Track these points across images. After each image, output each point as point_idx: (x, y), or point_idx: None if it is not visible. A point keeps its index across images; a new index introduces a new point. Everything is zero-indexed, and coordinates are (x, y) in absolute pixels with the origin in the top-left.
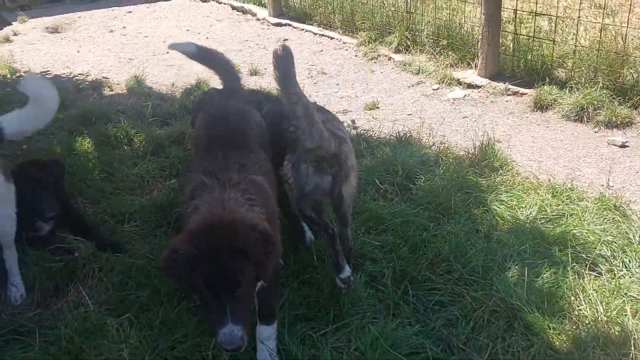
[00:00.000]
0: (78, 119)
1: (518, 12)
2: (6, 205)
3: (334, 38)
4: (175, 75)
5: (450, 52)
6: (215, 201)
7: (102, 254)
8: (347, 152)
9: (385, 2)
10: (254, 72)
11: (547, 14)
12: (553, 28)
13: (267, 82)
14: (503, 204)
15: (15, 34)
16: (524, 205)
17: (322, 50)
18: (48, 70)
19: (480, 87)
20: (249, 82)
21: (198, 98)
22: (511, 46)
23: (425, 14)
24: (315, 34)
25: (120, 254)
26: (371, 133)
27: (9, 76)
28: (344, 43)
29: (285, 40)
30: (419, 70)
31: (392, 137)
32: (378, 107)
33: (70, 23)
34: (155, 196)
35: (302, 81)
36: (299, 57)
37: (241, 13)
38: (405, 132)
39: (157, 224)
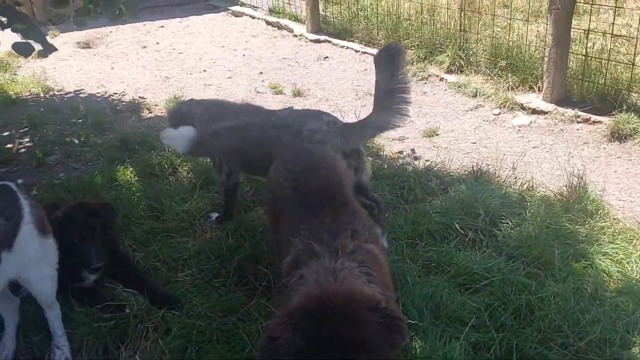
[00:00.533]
0: (118, 145)
1: (590, 32)
2: (44, 264)
3: None
4: (215, 95)
5: (509, 74)
6: (325, 271)
7: (156, 311)
8: (362, 147)
9: (434, 18)
10: (297, 93)
11: (625, 36)
12: (632, 50)
13: (312, 104)
14: (607, 257)
15: None
16: (632, 260)
17: (366, 69)
18: (82, 89)
19: (547, 113)
20: (294, 104)
21: (174, 108)
22: (578, 69)
23: (480, 32)
24: (357, 51)
25: (176, 310)
26: (440, 166)
27: (42, 95)
28: None
29: (325, 57)
30: (476, 92)
31: (464, 170)
32: (437, 134)
33: (102, 38)
34: (209, 238)
35: (349, 103)
36: (342, 76)
37: (276, 28)
38: (478, 165)
39: (215, 273)
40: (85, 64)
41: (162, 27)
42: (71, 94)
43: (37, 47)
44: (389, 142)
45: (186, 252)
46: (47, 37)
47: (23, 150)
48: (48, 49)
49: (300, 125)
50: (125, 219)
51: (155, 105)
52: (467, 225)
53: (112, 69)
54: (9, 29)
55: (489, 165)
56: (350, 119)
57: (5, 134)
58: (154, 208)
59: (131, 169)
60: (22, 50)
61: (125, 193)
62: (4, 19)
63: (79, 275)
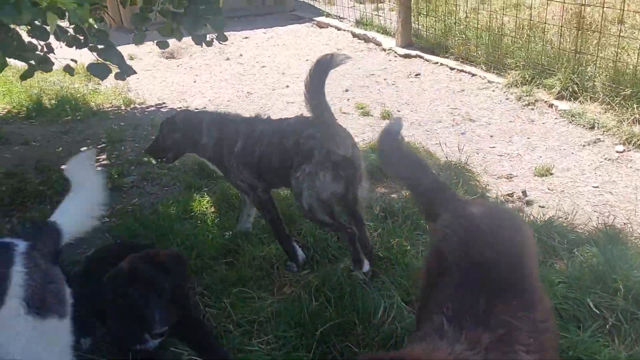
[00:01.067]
0: (196, 169)
1: None
2: (42, 354)
3: (475, 75)
4: (297, 114)
5: (635, 105)
6: None
7: None
8: (359, 156)
9: (543, 37)
10: (386, 115)
11: None
12: None
13: (404, 128)
14: None
15: (131, 58)
16: None
17: (463, 90)
18: (164, 103)
19: None
20: (382, 127)
21: (183, 117)
22: None
23: (598, 53)
24: (452, 68)
25: None
26: (562, 219)
27: (123, 107)
28: (489, 82)
29: (417, 75)
30: (594, 124)
31: (592, 226)
32: (551, 173)
33: (187, 48)
34: (288, 294)
35: (446, 129)
36: (436, 97)
37: (363, 41)
38: (609, 220)
39: (294, 345)
40: (168, 75)
41: (246, 38)
42: (152, 108)
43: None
44: (495, 181)
45: (262, 313)
46: (132, 44)
47: (99, 168)
48: (126, 72)
49: (299, 132)
50: (198, 259)
51: None
52: (604, 303)
53: (194, 82)
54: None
55: (623, 222)
56: (450, 150)
57: (84, 149)
58: (229, 250)
59: (208, 198)
60: (97, 72)
61: (200, 228)
62: (81, 37)
63: (140, 337)
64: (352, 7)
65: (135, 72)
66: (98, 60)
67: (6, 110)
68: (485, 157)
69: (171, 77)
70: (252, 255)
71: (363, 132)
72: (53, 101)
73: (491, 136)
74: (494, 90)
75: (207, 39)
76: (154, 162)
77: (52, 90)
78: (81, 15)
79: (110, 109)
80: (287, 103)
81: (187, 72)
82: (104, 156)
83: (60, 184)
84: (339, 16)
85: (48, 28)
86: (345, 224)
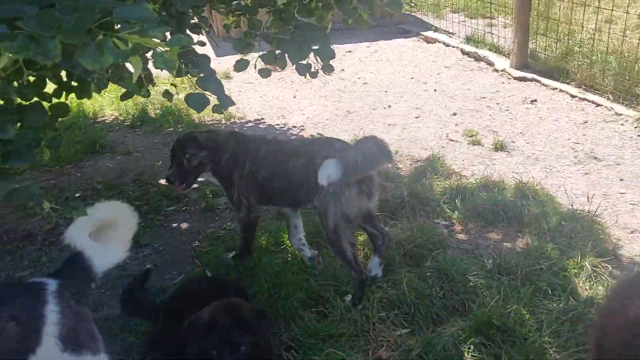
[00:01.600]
0: None
1: None
2: None
3: (600, 105)
4: (398, 139)
5: None
6: None
7: None
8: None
9: None
10: (499, 147)
11: None
12: None
13: (519, 162)
14: None
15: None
16: None
17: (586, 122)
18: (262, 119)
19: None
20: (494, 159)
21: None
22: None
23: None
24: (573, 96)
25: None
26: None
27: (223, 121)
28: (616, 114)
29: (533, 101)
30: None
31: None
32: None
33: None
34: (384, 358)
35: (567, 167)
36: (555, 128)
37: (473, 60)
38: None
39: None
40: (268, 90)
41: (350, 52)
42: (251, 123)
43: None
44: (628, 236)
45: None
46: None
47: (195, 186)
48: (224, 105)
49: (315, 153)
50: (286, 301)
51: None
52: None
53: (294, 97)
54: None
55: None
56: (574, 194)
57: None
58: (318, 298)
59: None
60: (195, 104)
61: (291, 264)
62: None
63: None
64: (462, 22)
65: (233, 104)
66: (196, 89)
67: (113, 117)
68: (614, 205)
69: (272, 91)
70: (346, 306)
71: (472, 164)
72: (158, 111)
73: (621, 179)
74: (622, 124)
75: (312, 70)
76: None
77: (158, 100)
78: (168, 59)
79: (211, 122)
80: (389, 125)
81: (288, 86)
82: None
83: (156, 200)
84: (447, 31)
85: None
86: (362, 268)
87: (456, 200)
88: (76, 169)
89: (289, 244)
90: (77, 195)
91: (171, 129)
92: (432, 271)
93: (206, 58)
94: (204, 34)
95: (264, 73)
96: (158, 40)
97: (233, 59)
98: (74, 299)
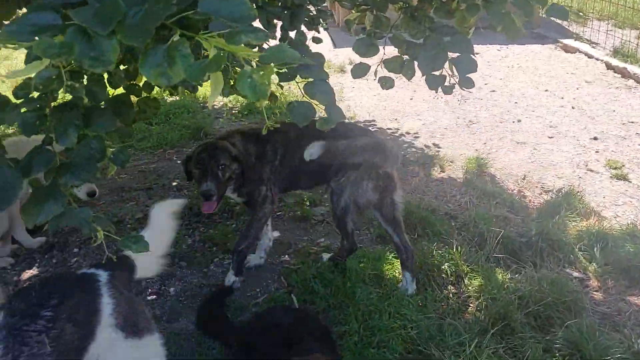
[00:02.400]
0: None
1: None
2: None
3: None
4: (528, 161)
5: None
6: None
7: None
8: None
9: None
10: None
11: None
12: None
13: None
14: None
15: (350, 63)
16: None
17: None
18: (374, 120)
19: None
20: None
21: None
22: None
23: None
24: None
25: None
26: None
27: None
28: None
29: None
30: None
31: None
32: None
33: None
34: None
35: None
36: None
37: (620, 76)
38: None
39: None
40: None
41: (477, 54)
42: (361, 125)
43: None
44: None
45: None
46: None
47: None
48: (331, 119)
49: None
50: (379, 350)
51: (451, 161)
52: None
53: (411, 99)
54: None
55: None
56: None
57: None
58: (420, 350)
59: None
60: (298, 115)
61: (389, 303)
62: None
63: None
64: (609, 32)
65: (344, 118)
66: (302, 97)
67: (222, 103)
68: None
69: (388, 90)
70: None
71: (616, 204)
72: (265, 102)
73: None
74: None
75: (446, 84)
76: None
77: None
78: (259, 84)
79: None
80: (517, 143)
81: (406, 86)
82: None
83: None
84: (590, 40)
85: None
86: (356, 242)
87: (595, 249)
88: (178, 154)
89: (389, 276)
90: (173, 184)
91: (278, 125)
92: (563, 343)
93: (320, 58)
94: (322, 29)
95: (385, 83)
96: (254, 50)
97: (352, 52)
98: (124, 288)
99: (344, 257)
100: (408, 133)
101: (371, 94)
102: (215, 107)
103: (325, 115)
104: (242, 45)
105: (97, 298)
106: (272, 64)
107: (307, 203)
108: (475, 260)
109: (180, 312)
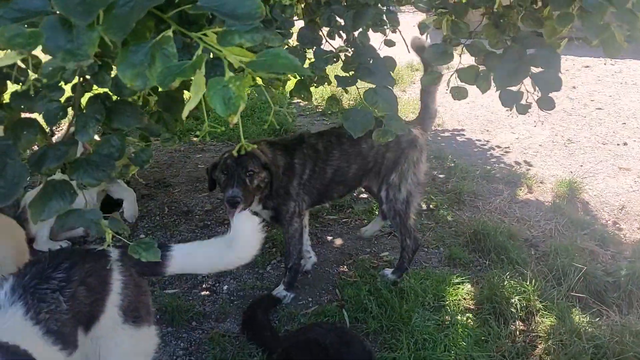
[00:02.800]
0: (469, 238)
1: None
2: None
3: None
4: (629, 190)
5: None
6: None
7: None
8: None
9: None
10: None
11: None
12: None
13: None
14: None
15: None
16: None
17: None
18: (462, 130)
19: None
20: None
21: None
22: None
23: None
24: None
25: None
26: None
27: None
28: None
29: None
30: None
31: None
32: None
33: None
34: None
35: None
36: None
37: None
38: None
39: None
40: (478, 95)
41: (587, 67)
42: (448, 133)
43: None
44: None
45: None
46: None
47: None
48: (392, 132)
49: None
50: None
51: (540, 183)
52: None
53: (507, 109)
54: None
55: None
56: None
57: None
58: None
59: (469, 288)
60: (353, 124)
61: (446, 334)
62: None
63: None
64: None
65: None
66: (362, 101)
67: (305, 102)
68: None
69: (481, 98)
70: None
71: None
72: (352, 102)
73: None
74: None
75: (523, 101)
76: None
77: (354, 90)
78: (233, 96)
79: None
80: (618, 169)
81: None
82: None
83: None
84: None
85: None
86: (419, 238)
87: None
88: None
89: (451, 303)
90: None
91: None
92: None
93: (389, 62)
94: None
95: (457, 94)
96: (249, 53)
97: None
98: (134, 270)
99: (410, 260)
100: (498, 147)
101: (464, 102)
102: (300, 103)
103: (384, 128)
104: (234, 47)
105: (108, 271)
106: (249, 75)
107: (376, 213)
108: (551, 296)
109: (229, 313)
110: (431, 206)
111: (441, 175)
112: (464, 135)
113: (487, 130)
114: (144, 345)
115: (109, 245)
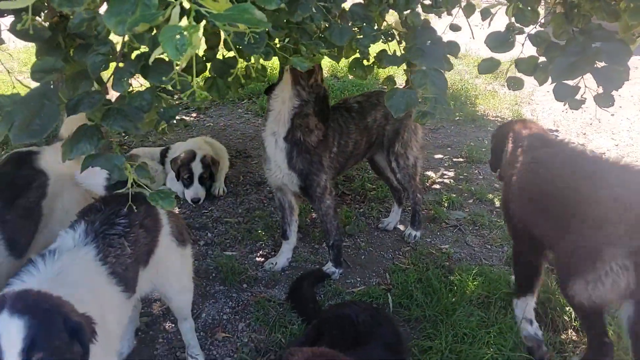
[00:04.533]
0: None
1: None
2: (183, 276)
3: None
4: None
5: None
6: None
7: None
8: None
9: None
10: None
11: None
12: None
13: None
14: None
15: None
16: None
17: None
18: (556, 131)
19: None
20: None
21: None
22: None
23: None
24: None
25: None
26: None
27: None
28: None
29: None
30: None
31: None
32: None
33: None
34: None
35: None
36: None
37: None
38: None
39: None
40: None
41: None
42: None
43: None
44: None
45: None
46: None
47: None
48: (434, 114)
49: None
50: None
51: None
52: None
53: (612, 114)
54: None
55: None
56: None
57: (438, 156)
58: None
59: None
60: (395, 103)
61: (488, 332)
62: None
63: None
64: None
65: (448, 115)
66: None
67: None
68: None
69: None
70: None
71: None
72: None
73: None
74: None
75: (578, 97)
76: None
77: (453, 80)
78: (186, 42)
79: (494, 118)
80: None
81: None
82: (450, 174)
83: (384, 190)
84: None
85: None
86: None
87: None
88: None
89: (501, 302)
90: None
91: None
92: None
93: (451, 47)
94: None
95: (514, 84)
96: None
97: None
98: None
99: (420, 220)
100: (592, 151)
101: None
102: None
103: (423, 110)
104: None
105: (157, 209)
106: (200, 24)
107: (446, 205)
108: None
109: (279, 280)
110: None
111: None
112: (556, 136)
113: (584, 134)
114: (188, 261)
115: (132, 186)
